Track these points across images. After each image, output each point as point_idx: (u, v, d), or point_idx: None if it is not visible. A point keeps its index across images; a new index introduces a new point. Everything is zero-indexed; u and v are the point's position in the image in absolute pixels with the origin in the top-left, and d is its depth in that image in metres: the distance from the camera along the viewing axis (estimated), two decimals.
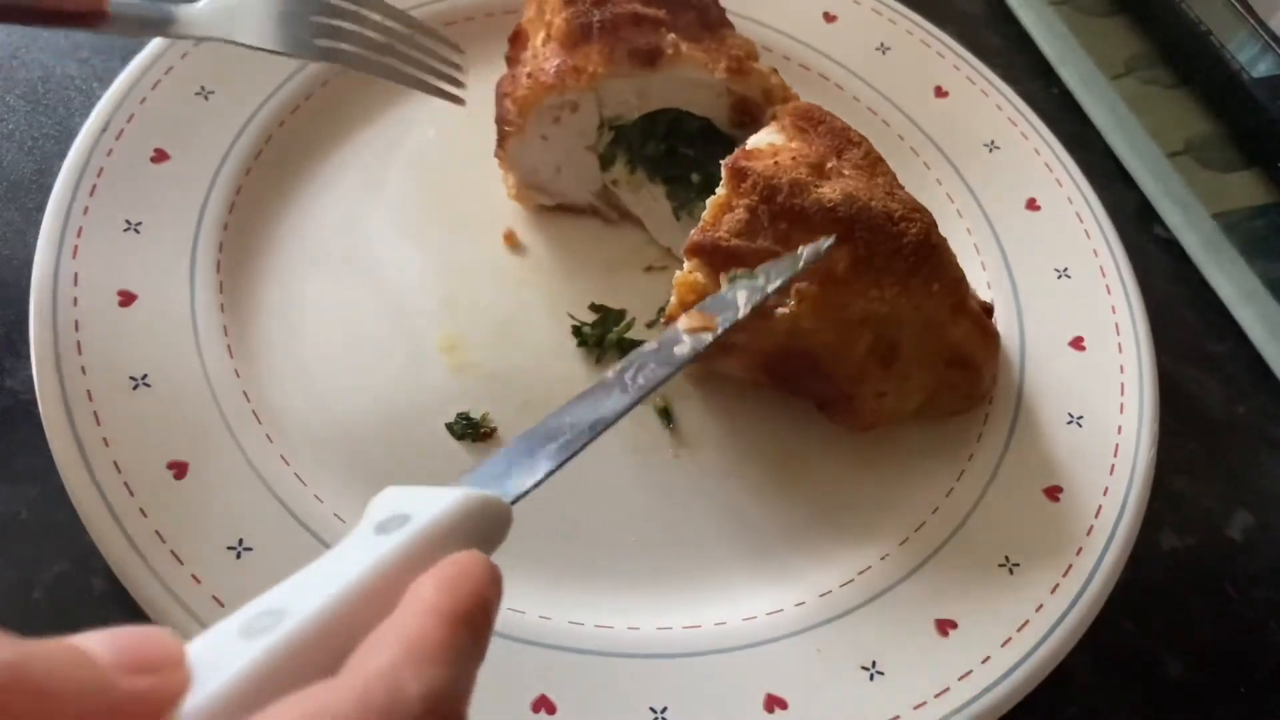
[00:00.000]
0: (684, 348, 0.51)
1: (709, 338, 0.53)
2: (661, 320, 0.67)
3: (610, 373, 0.47)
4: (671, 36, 0.71)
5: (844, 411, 0.69)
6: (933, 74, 0.91)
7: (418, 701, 0.27)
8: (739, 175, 0.65)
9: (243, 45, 0.62)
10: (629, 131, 0.76)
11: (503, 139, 0.74)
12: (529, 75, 0.71)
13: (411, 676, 0.28)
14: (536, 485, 0.41)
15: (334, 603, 0.30)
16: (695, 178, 0.76)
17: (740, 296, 0.58)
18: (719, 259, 0.64)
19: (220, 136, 0.73)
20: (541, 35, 0.74)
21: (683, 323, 0.54)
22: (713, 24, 0.75)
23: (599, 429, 0.44)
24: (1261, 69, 0.96)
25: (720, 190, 0.66)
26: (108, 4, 0.58)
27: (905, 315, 0.66)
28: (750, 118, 0.74)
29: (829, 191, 0.64)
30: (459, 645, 0.30)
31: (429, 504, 0.34)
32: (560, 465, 0.42)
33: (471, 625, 0.31)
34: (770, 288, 0.59)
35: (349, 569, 0.32)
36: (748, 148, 0.68)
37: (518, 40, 0.77)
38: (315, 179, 0.76)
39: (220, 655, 0.28)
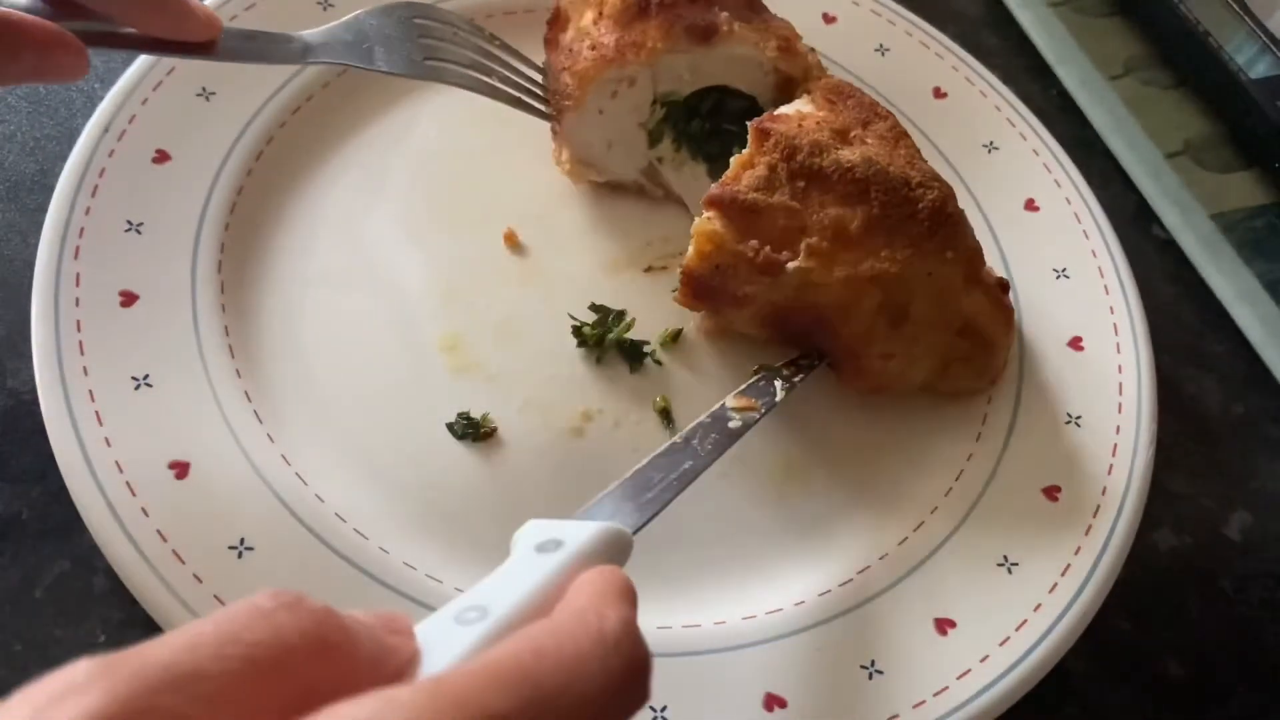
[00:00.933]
0: (736, 423, 0.62)
1: (756, 416, 0.63)
2: (679, 278, 0.70)
3: (678, 439, 0.59)
4: (725, 15, 0.73)
5: (851, 371, 0.70)
6: (932, 75, 0.91)
7: (620, 623, 0.34)
8: (762, 135, 0.67)
9: (357, 68, 0.65)
10: (675, 109, 0.77)
11: (559, 113, 0.75)
12: (591, 48, 0.73)
13: (610, 610, 0.35)
14: (649, 521, 0.51)
15: (526, 599, 0.38)
16: (736, 153, 0.77)
17: (777, 385, 0.67)
18: (736, 211, 0.66)
19: (221, 137, 0.73)
20: (590, 15, 0.75)
21: (730, 401, 0.64)
22: (757, 6, 0.78)
23: (688, 479, 0.55)
24: (1260, 70, 0.96)
25: (745, 149, 0.68)
26: (219, 33, 0.58)
27: (917, 279, 0.67)
28: (791, 97, 0.76)
29: (849, 154, 0.66)
30: (632, 600, 0.38)
31: (577, 532, 0.43)
32: (663, 508, 0.52)
33: (630, 599, 0.38)
34: (796, 379, 0.69)
35: (530, 575, 0.39)
36: (776, 113, 0.70)
37: (556, 22, 0.78)
38: (316, 180, 0.76)
39: (441, 637, 0.35)
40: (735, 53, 0.74)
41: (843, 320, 0.67)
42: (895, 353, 0.69)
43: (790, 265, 0.65)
